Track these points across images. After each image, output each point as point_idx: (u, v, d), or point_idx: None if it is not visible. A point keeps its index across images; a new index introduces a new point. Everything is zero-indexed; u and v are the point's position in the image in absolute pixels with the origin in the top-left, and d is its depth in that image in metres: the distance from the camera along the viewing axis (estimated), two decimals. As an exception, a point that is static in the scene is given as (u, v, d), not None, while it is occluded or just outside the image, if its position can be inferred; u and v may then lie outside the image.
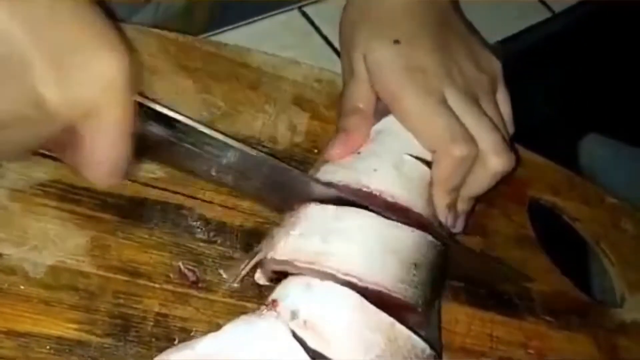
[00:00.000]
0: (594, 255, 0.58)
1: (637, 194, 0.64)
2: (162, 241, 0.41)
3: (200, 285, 0.40)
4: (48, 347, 0.35)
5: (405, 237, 0.39)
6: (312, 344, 0.35)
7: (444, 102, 0.43)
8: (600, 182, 0.63)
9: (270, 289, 0.39)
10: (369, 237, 0.39)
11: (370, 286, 0.37)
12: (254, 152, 0.39)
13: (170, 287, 0.40)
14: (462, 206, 0.45)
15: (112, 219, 0.40)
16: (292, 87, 0.52)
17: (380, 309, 0.38)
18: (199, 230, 0.42)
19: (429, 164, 0.43)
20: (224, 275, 0.41)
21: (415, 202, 0.41)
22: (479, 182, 0.44)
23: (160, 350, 0.36)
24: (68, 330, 0.36)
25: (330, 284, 0.38)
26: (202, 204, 0.43)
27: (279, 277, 0.39)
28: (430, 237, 0.40)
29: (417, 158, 0.43)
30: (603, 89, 0.77)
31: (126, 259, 0.39)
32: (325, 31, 0.60)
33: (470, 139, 0.42)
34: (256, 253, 0.40)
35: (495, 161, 0.43)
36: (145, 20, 0.56)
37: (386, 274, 0.38)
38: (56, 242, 0.38)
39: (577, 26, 0.76)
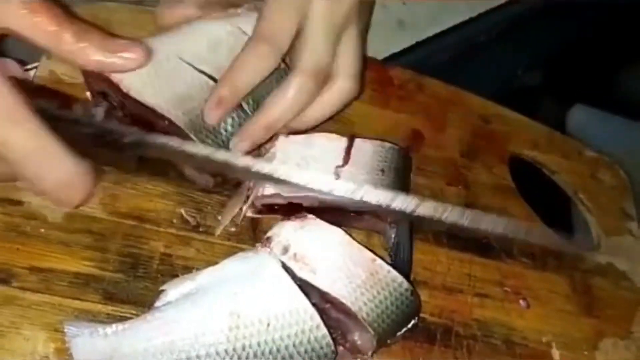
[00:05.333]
0: (575, 206, 0.62)
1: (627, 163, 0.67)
2: (165, 191, 0.45)
3: (200, 229, 0.45)
4: (67, 281, 0.40)
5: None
6: (300, 273, 0.40)
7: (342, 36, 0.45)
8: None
9: (263, 232, 0.44)
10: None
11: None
12: None
13: (173, 230, 0.44)
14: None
15: (121, 172, 0.45)
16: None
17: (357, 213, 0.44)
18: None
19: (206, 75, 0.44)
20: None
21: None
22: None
23: (166, 285, 0.40)
24: (84, 267, 0.41)
25: (320, 222, 0.42)
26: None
27: (268, 209, 0.44)
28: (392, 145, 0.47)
29: (194, 67, 0.43)
30: (587, 59, 0.80)
31: (134, 206, 0.44)
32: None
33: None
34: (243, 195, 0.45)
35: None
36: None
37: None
38: (71, 192, 0.43)
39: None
